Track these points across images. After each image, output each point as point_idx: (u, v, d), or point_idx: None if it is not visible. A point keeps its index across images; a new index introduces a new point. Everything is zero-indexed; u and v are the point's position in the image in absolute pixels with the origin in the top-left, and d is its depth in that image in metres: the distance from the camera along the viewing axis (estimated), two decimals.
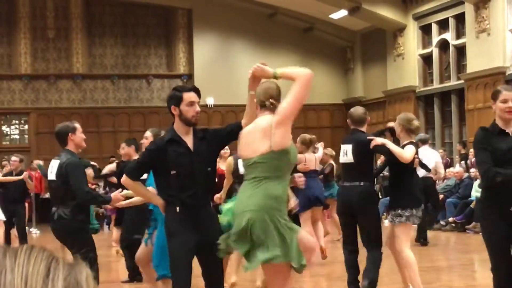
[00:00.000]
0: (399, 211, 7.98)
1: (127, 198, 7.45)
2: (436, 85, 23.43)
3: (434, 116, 23.61)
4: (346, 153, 8.14)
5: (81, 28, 26.32)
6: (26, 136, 26.08)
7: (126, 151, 10.54)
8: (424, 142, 14.49)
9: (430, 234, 16.19)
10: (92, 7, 26.57)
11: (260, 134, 5.35)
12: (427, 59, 23.89)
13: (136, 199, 7.52)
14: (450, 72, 22.78)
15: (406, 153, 7.87)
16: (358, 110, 8.50)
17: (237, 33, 26.82)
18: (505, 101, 6.02)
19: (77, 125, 7.57)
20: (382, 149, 7.98)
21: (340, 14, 25.15)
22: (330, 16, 25.75)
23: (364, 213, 8.03)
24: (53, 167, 7.44)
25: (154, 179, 6.11)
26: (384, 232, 8.39)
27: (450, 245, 14.51)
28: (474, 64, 20.82)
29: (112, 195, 7.30)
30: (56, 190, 7.56)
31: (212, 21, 26.47)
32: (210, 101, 26.45)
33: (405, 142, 8.15)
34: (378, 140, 7.97)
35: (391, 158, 7.97)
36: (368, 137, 8.09)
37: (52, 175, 7.46)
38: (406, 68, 24.24)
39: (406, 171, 8.02)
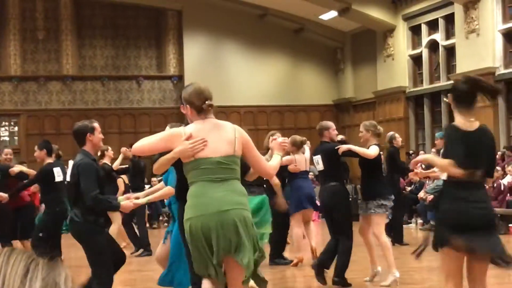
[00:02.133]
0: (381, 201, 9.45)
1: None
2: (426, 85, 23.48)
3: (424, 116, 23.66)
4: (318, 162, 9.66)
5: (71, 29, 26.27)
6: (16, 137, 26.02)
7: (37, 154, 10.59)
8: None
9: (420, 234, 16.25)
10: (82, 9, 26.53)
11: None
12: (417, 60, 23.95)
13: (160, 194, 7.61)
14: (440, 72, 22.84)
15: (370, 151, 9.38)
16: (319, 125, 10.06)
17: (227, 34, 26.82)
18: None
19: (96, 125, 7.28)
20: (349, 153, 9.49)
21: (330, 15, 25.19)
22: (320, 17, 25.79)
23: (335, 209, 9.44)
24: (70, 167, 7.42)
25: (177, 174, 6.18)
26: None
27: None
28: (464, 64, 20.87)
29: (123, 203, 7.09)
30: (69, 191, 7.53)
31: (202, 22, 26.46)
32: None
33: (372, 143, 9.61)
34: (344, 147, 9.46)
35: (361, 159, 9.52)
36: (336, 147, 9.49)
37: (68, 175, 7.44)
38: (396, 68, 24.29)
39: (376, 167, 9.58)
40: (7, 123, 26.30)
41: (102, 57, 26.76)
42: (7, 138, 26.32)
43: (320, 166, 9.68)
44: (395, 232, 14.74)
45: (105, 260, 6.96)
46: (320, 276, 9.54)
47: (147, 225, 20.70)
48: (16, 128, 26.15)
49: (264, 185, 10.54)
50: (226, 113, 26.52)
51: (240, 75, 26.75)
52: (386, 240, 9.55)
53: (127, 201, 7.14)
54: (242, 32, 26.81)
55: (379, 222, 9.49)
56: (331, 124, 9.98)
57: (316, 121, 27.91)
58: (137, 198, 7.41)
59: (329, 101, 27.91)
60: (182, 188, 5.92)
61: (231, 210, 5.28)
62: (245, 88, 26.68)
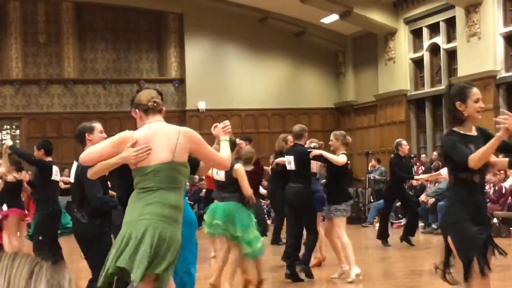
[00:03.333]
0: (342, 205, 10.40)
1: None
2: (427, 89, 23.49)
3: (426, 120, 23.66)
4: (290, 162, 10.45)
5: (72, 33, 26.30)
6: (17, 141, 26.02)
7: (36, 154, 10.64)
8: None
9: (422, 237, 16.26)
10: (83, 12, 26.57)
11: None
12: (418, 63, 23.96)
13: None
14: (441, 76, 22.84)
15: (339, 159, 10.23)
16: (299, 127, 10.81)
17: (229, 37, 26.84)
18: (477, 100, 5.57)
19: (96, 125, 7.18)
20: (319, 158, 10.31)
21: (331, 18, 25.21)
22: (322, 20, 25.81)
23: (301, 207, 10.31)
24: (73, 169, 7.34)
25: None
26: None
27: (441, 248, 14.51)
28: (465, 68, 20.88)
29: None
30: (74, 193, 7.47)
31: (204, 26, 26.49)
32: (201, 105, 26.46)
33: (341, 152, 10.42)
34: (316, 152, 10.26)
35: (329, 165, 10.47)
36: (308, 150, 10.41)
37: (72, 177, 7.37)
38: (397, 72, 24.30)
39: (341, 174, 10.45)
40: (8, 127, 26.33)
41: (103, 61, 26.79)
42: (6, 141, 26.32)
43: (291, 166, 10.47)
44: (405, 233, 14.95)
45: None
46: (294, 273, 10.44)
47: None
48: (17, 132, 26.17)
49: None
50: (227, 116, 26.52)
51: (241, 78, 26.77)
52: (347, 240, 10.31)
53: None
54: (243, 36, 26.83)
55: (340, 224, 10.40)
56: (306, 128, 10.97)
57: (317, 124, 28.04)
58: None
59: (330, 105, 27.92)
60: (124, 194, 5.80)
61: (146, 220, 5.11)
62: (246, 91, 26.70)
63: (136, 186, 5.30)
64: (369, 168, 22.16)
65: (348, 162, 10.67)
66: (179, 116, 25.87)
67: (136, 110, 5.53)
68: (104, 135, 7.10)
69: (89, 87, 26.52)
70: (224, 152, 5.62)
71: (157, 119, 5.45)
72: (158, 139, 5.30)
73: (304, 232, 10.73)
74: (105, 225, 6.99)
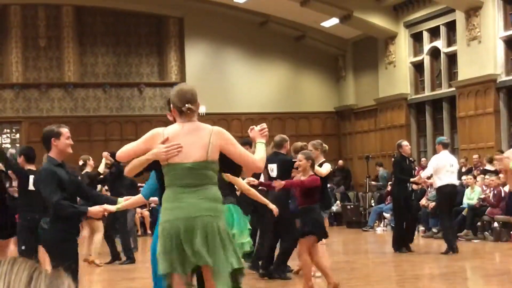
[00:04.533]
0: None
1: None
2: (427, 92, 23.49)
3: (426, 123, 23.66)
4: (273, 170, 10.70)
5: (73, 37, 26.31)
6: (17, 145, 26.02)
7: (18, 160, 10.30)
8: (445, 146, 14.61)
9: (422, 241, 16.25)
10: (84, 16, 26.58)
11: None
12: (418, 67, 23.96)
13: (131, 202, 7.21)
14: (442, 79, 22.84)
15: (323, 170, 10.55)
16: (279, 137, 11.08)
17: (229, 41, 26.86)
18: None
19: (63, 130, 6.93)
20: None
21: (331, 22, 25.22)
22: (322, 24, 25.82)
23: (279, 214, 10.26)
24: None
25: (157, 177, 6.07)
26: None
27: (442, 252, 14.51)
28: (465, 71, 20.89)
29: (91, 209, 6.79)
30: (37, 199, 7.33)
31: (204, 30, 26.51)
32: (202, 109, 26.44)
33: (321, 161, 10.77)
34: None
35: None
36: (293, 160, 10.37)
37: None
38: (398, 75, 24.30)
39: (322, 181, 10.21)
40: (8, 130, 26.33)
41: (103, 64, 26.80)
42: (8, 146, 26.33)
43: (273, 173, 10.69)
44: (406, 239, 14.77)
45: (72, 271, 6.46)
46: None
47: (149, 231, 20.76)
48: (17, 135, 26.16)
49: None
50: (227, 120, 26.57)
51: (242, 82, 26.79)
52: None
53: (97, 207, 6.86)
54: (243, 39, 26.85)
55: None
56: (287, 138, 11.26)
57: (317, 128, 28.04)
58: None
59: (331, 108, 27.92)
60: (163, 192, 5.89)
61: (199, 217, 5.25)
62: (246, 95, 26.71)
63: (172, 183, 5.39)
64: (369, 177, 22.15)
65: (332, 169, 11.19)
66: None
67: (171, 106, 5.56)
68: (71, 141, 6.96)
69: (90, 91, 26.52)
70: (259, 153, 5.65)
71: (193, 119, 5.51)
72: (192, 137, 5.38)
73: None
74: (68, 230, 6.76)
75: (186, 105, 5.43)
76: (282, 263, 11.22)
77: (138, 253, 16.30)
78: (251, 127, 5.96)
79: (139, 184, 20.18)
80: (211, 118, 25.88)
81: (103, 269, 13.63)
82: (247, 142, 13.28)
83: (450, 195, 14.42)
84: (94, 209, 6.82)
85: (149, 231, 20.83)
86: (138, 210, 19.76)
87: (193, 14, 26.43)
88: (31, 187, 10.00)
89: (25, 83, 25.93)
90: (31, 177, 10.09)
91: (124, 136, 25.92)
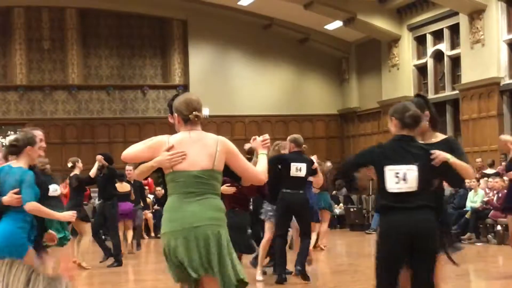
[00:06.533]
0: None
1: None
2: (431, 95, 23.44)
3: None
4: (301, 170, 10.56)
5: (77, 39, 26.35)
6: None
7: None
8: None
9: None
10: (88, 19, 26.61)
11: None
12: (422, 70, 23.95)
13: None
14: (445, 82, 22.83)
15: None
16: (300, 137, 11.00)
17: (233, 44, 26.87)
18: None
19: (36, 135, 6.70)
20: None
21: (335, 25, 25.22)
22: (325, 27, 25.82)
23: (303, 213, 10.61)
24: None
25: None
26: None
27: (444, 256, 14.50)
28: (469, 74, 20.88)
29: (62, 214, 6.74)
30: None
31: (208, 32, 26.52)
32: (205, 111, 26.40)
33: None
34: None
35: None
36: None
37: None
38: (401, 78, 24.29)
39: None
40: (12, 132, 26.33)
41: (107, 67, 26.82)
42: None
43: (302, 173, 10.61)
44: None
45: None
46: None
47: (152, 234, 20.75)
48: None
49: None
50: (231, 122, 26.58)
51: (245, 84, 26.79)
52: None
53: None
54: (247, 42, 26.85)
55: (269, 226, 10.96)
56: None
57: (321, 130, 28.05)
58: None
59: (334, 111, 27.92)
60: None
61: (203, 226, 5.19)
62: (250, 97, 26.71)
63: (175, 191, 5.34)
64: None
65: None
66: None
67: (175, 114, 5.50)
68: (44, 144, 6.81)
69: (93, 93, 26.55)
70: (261, 165, 5.61)
71: (197, 128, 5.46)
72: (198, 146, 5.34)
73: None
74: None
75: (194, 112, 5.41)
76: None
77: (142, 255, 16.31)
78: (254, 137, 5.94)
79: (159, 189, 20.19)
80: (215, 121, 25.91)
81: (108, 271, 13.58)
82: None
83: None
84: (67, 214, 6.98)
85: (152, 234, 20.83)
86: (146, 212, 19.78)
87: (197, 17, 26.44)
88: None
89: (29, 85, 25.97)
90: None
91: (127, 138, 25.93)
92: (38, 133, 6.79)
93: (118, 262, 13.90)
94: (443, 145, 5.82)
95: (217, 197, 5.36)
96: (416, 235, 5.46)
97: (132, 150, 5.51)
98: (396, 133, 5.64)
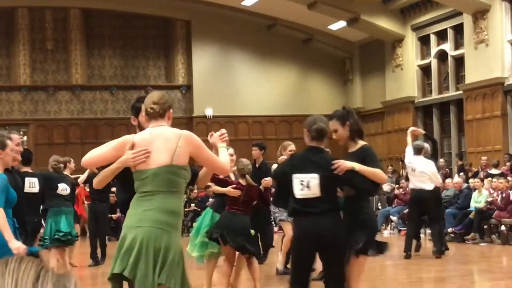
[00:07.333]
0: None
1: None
2: (434, 95, 23.47)
3: (433, 126, 23.63)
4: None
5: (80, 39, 26.38)
6: (25, 147, 26.08)
7: None
8: (418, 151, 14.42)
9: (429, 244, 16.21)
10: (91, 19, 26.64)
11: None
12: (425, 70, 23.94)
13: None
14: (449, 82, 22.83)
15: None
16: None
17: (236, 44, 26.88)
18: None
19: (11, 140, 6.55)
20: None
21: (339, 25, 25.23)
22: (329, 27, 25.83)
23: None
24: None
25: None
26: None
27: (449, 255, 14.50)
28: (473, 74, 20.87)
29: (14, 241, 6.07)
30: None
31: (211, 33, 26.53)
32: (209, 112, 26.48)
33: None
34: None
35: None
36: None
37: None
38: (405, 78, 24.29)
39: None
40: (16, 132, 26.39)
41: (111, 67, 26.85)
42: None
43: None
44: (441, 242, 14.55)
45: None
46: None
47: None
48: (25, 138, 26.20)
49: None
50: (234, 122, 26.57)
51: (249, 85, 26.80)
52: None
53: None
54: (250, 42, 26.86)
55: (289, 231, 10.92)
56: None
57: None
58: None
59: None
60: (124, 200, 5.67)
61: (147, 228, 5.01)
62: (253, 98, 26.72)
63: (137, 190, 5.23)
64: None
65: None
66: (186, 122, 25.86)
67: (143, 113, 5.48)
68: (20, 148, 6.67)
69: (97, 94, 26.58)
70: (223, 157, 5.54)
71: (160, 124, 5.36)
72: (158, 142, 5.22)
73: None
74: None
75: (150, 105, 5.34)
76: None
77: None
78: (211, 133, 5.91)
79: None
80: (218, 121, 25.91)
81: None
82: (263, 147, 13.13)
83: (416, 200, 14.17)
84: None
85: None
86: None
87: (201, 17, 26.46)
88: (26, 189, 10.02)
89: (32, 86, 26.00)
90: (27, 180, 10.14)
91: None
92: (15, 137, 6.68)
93: (96, 262, 13.90)
94: (360, 153, 6.31)
95: (176, 194, 5.20)
96: (323, 237, 6.01)
97: (95, 153, 5.35)
98: (308, 144, 6.27)
